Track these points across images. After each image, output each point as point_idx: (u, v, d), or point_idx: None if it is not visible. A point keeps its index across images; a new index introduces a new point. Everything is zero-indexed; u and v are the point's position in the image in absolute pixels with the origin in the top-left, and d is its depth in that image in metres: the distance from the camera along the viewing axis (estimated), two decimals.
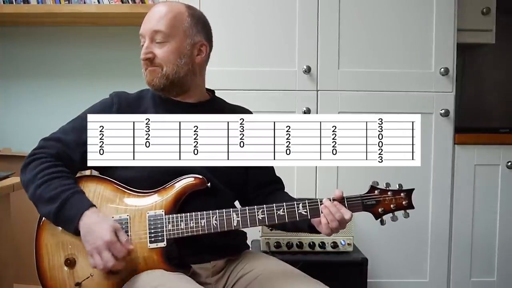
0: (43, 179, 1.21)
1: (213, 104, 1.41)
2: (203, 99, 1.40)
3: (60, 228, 1.23)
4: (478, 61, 2.68)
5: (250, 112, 1.48)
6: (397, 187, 1.25)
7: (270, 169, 1.48)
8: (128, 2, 2.23)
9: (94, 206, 1.21)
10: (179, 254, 1.24)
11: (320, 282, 1.23)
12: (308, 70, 2.08)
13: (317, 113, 2.08)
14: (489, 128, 2.27)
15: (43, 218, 1.25)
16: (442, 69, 2.09)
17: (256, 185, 1.42)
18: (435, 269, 2.14)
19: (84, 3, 2.24)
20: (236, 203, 1.44)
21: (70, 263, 1.22)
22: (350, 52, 2.10)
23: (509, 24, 2.52)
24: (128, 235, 1.21)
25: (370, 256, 1.89)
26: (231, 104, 1.47)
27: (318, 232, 1.27)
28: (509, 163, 2.13)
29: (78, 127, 1.29)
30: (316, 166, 2.09)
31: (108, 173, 1.31)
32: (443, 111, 2.10)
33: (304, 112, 2.07)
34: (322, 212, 1.20)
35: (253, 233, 1.83)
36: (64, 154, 1.27)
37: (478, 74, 2.71)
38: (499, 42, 2.33)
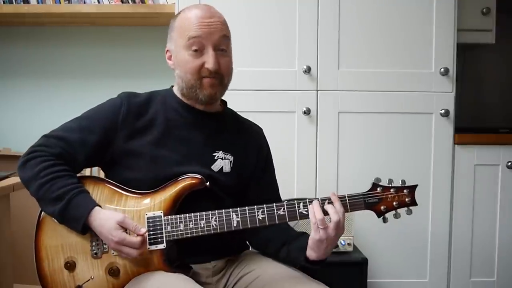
0: (46, 178, 1.18)
1: (224, 117, 1.38)
2: (217, 109, 1.37)
3: (58, 230, 1.22)
4: (478, 61, 2.68)
5: (260, 128, 1.46)
6: (400, 183, 1.23)
7: (275, 188, 1.46)
8: (128, 2, 2.23)
9: (98, 205, 1.19)
10: (180, 255, 1.24)
11: (320, 282, 1.23)
12: (308, 70, 2.07)
13: (317, 113, 2.08)
14: (489, 128, 2.27)
15: (41, 220, 1.24)
16: (442, 69, 2.09)
17: (259, 202, 1.37)
18: (435, 269, 2.14)
19: (84, 3, 2.24)
20: None
21: (70, 266, 1.21)
22: (350, 52, 2.10)
23: (509, 24, 2.52)
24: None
25: (370, 256, 1.89)
26: (242, 118, 1.44)
27: (317, 265, 1.22)
28: (509, 163, 2.13)
29: (85, 127, 1.26)
30: (316, 166, 2.09)
31: (113, 173, 1.29)
32: (443, 111, 2.10)
33: (304, 112, 2.07)
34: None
35: None
36: (66, 154, 1.23)
37: (478, 74, 2.70)
38: (499, 42, 2.33)
